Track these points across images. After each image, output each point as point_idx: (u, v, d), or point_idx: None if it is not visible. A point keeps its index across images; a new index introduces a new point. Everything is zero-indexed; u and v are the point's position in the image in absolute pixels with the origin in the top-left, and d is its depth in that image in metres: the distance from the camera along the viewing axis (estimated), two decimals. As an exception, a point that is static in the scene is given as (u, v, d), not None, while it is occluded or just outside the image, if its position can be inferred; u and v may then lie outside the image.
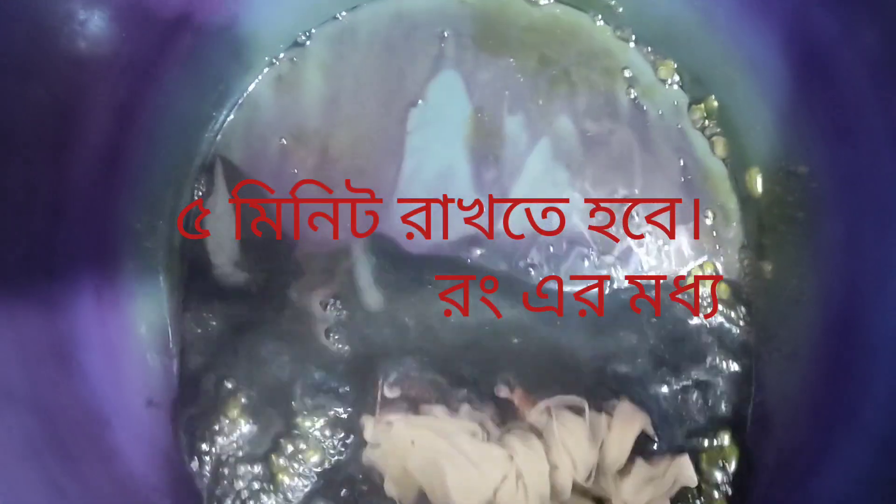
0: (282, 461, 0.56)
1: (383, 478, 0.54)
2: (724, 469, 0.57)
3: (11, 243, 0.46)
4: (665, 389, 0.57)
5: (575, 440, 0.53)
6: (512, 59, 0.62)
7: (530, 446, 0.53)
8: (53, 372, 0.47)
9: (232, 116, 0.62)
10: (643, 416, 0.55)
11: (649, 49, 0.63)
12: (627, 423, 0.54)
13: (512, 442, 0.53)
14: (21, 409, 0.44)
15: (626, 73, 0.62)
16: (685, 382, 0.57)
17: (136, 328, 0.56)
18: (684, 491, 0.55)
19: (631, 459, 0.54)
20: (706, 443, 0.57)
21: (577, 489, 0.53)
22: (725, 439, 0.57)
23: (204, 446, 0.56)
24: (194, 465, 0.56)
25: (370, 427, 0.55)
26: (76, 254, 0.51)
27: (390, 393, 0.56)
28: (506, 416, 0.56)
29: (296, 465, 0.56)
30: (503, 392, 0.57)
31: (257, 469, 0.56)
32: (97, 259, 0.53)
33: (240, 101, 0.62)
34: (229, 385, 0.57)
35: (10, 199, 0.45)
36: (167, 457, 0.55)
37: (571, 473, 0.52)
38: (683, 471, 0.53)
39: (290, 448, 0.56)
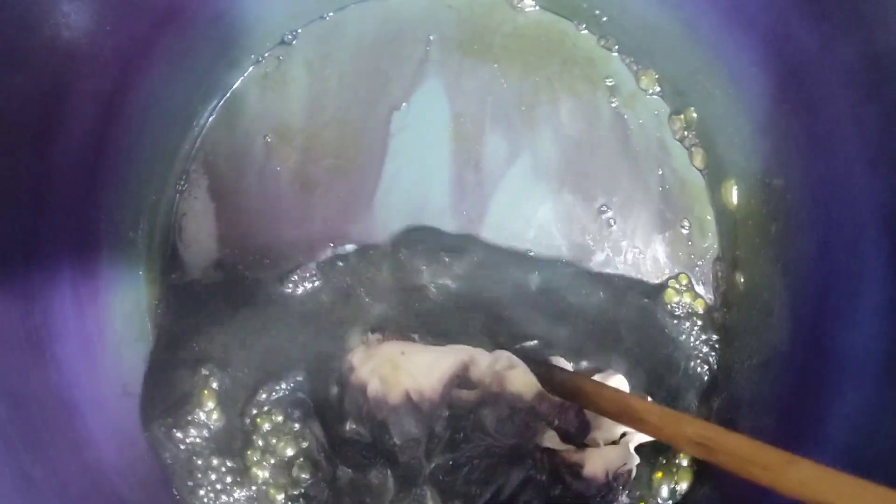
0: (255, 455, 0.56)
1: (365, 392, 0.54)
2: (673, 491, 0.57)
3: (-9, 231, 0.46)
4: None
5: None
6: (496, 65, 0.63)
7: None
8: (27, 361, 0.47)
9: (217, 112, 0.63)
10: (619, 378, 0.56)
11: (632, 59, 0.63)
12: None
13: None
14: (-7, 396, 0.44)
15: (609, 82, 0.63)
16: (653, 389, 0.58)
17: (112, 319, 0.56)
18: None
19: None
20: (664, 459, 0.58)
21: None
22: (684, 461, 0.58)
23: (178, 436, 0.56)
24: (167, 455, 0.56)
25: (360, 349, 0.55)
26: (56, 243, 0.51)
27: (374, 338, 0.57)
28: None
29: (270, 459, 0.56)
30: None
31: (230, 463, 0.56)
32: (77, 249, 0.53)
33: (225, 98, 0.63)
34: (204, 377, 0.57)
35: (-8, 189, 0.46)
36: (139, 446, 0.55)
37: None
38: None
39: (262, 442, 0.56)
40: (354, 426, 0.54)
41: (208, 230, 0.61)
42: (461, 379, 0.53)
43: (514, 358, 0.54)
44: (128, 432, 0.55)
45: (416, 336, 0.57)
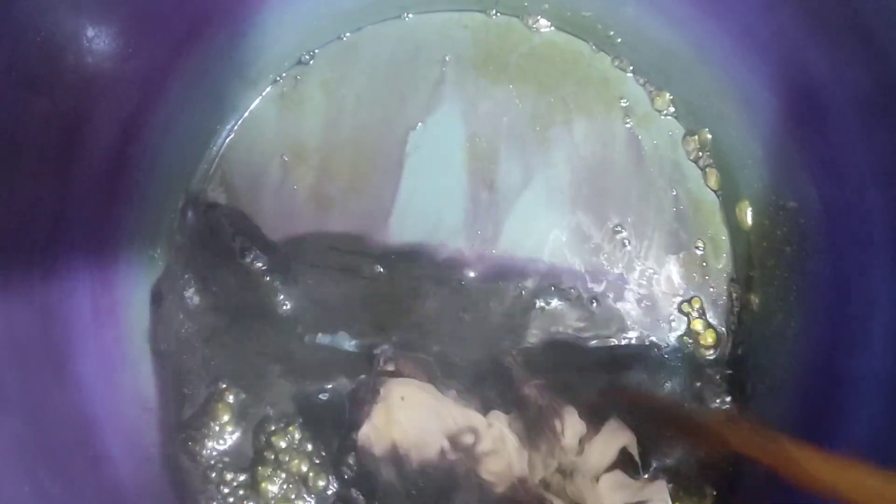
0: (267, 470, 0.56)
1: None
2: None
3: (13, 249, 0.46)
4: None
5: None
6: (511, 86, 0.64)
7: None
8: (47, 378, 0.48)
9: (234, 132, 0.63)
10: (629, 434, 0.55)
11: (646, 80, 0.64)
12: (612, 434, 0.55)
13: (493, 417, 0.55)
14: (13, 413, 0.44)
15: (623, 103, 0.63)
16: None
17: (131, 335, 0.57)
18: None
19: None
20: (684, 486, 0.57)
21: (554, 490, 0.53)
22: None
23: (194, 449, 0.57)
24: (182, 468, 0.57)
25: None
26: (75, 261, 0.52)
27: (386, 366, 0.57)
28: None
29: (281, 474, 0.56)
30: (507, 360, 0.58)
31: (243, 477, 0.56)
32: (96, 267, 0.54)
33: (242, 118, 0.64)
34: (220, 393, 0.58)
35: (14, 207, 0.46)
36: (156, 462, 0.56)
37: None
38: (658, 493, 0.53)
39: (274, 457, 0.56)
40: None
41: (224, 248, 0.61)
42: (443, 454, 0.53)
43: (506, 432, 0.53)
44: (145, 448, 0.56)
45: (430, 359, 0.57)
